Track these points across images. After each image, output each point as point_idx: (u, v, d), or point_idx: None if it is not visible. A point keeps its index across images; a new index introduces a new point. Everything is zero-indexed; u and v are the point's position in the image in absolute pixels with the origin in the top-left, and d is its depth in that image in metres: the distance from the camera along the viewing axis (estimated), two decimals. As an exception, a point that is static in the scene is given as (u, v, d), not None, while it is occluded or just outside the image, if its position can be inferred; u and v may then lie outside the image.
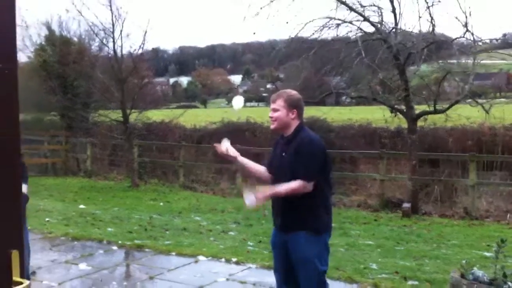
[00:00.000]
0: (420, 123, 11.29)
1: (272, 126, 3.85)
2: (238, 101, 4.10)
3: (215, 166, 14.03)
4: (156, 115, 17.15)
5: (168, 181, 14.06)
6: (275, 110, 3.77)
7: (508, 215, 9.41)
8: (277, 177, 3.73)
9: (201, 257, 6.63)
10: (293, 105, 3.76)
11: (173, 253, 6.87)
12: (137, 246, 7.20)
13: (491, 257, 5.47)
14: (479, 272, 4.81)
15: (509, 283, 4.60)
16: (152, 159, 14.90)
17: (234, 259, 6.48)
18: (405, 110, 10.82)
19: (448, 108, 10.61)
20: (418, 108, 11.10)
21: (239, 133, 14.95)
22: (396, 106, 11.16)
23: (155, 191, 12.72)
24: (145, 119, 16.35)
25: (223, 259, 6.55)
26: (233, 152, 3.92)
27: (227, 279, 5.82)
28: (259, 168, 3.96)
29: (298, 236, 3.65)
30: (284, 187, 3.61)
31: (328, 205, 3.76)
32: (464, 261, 5.23)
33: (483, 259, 6.19)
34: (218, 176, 13.80)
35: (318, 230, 3.67)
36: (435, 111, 10.69)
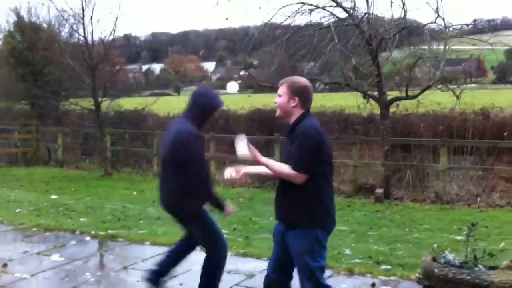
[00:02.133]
0: (392, 109, 11.39)
1: (277, 113, 3.73)
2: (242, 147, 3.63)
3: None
4: (128, 103, 16.98)
5: (141, 169, 13.95)
6: (278, 96, 3.67)
7: (478, 199, 9.58)
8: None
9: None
10: (296, 93, 3.61)
11: (147, 243, 6.83)
12: (110, 236, 7.14)
13: (462, 240, 5.57)
14: (450, 256, 4.89)
15: (480, 265, 4.69)
16: (125, 148, 14.75)
17: (209, 247, 6.45)
18: (377, 96, 10.88)
19: (419, 94, 10.71)
20: (390, 94, 11.18)
21: (212, 120, 14.87)
22: (368, 92, 11.22)
23: (128, 180, 12.61)
24: (117, 107, 16.18)
25: (198, 248, 6.51)
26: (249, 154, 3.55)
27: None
28: None
29: (293, 231, 3.59)
30: (277, 165, 3.57)
31: (325, 201, 3.60)
32: (435, 245, 5.31)
33: (454, 243, 6.29)
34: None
35: (311, 226, 3.54)
36: (407, 97, 10.79)
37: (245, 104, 16.76)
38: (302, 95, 3.62)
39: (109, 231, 7.35)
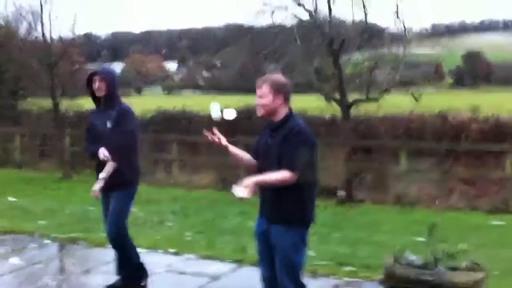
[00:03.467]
0: (353, 111, 11.52)
1: (259, 113, 3.69)
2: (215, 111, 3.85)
3: (151, 155, 13.81)
4: (89, 103, 16.60)
5: (102, 171, 13.70)
6: (260, 96, 3.63)
7: (436, 201, 9.78)
8: (264, 165, 3.63)
9: (138, 249, 6.50)
10: (279, 90, 3.62)
11: (109, 246, 6.71)
12: (70, 239, 7.01)
13: (423, 241, 5.69)
14: (412, 257, 5.00)
15: (440, 266, 4.80)
16: (85, 149, 14.45)
17: (172, 250, 6.42)
18: (339, 98, 11.00)
19: (379, 97, 10.87)
20: (352, 97, 11.31)
21: (175, 121, 14.77)
22: (330, 95, 11.33)
23: (88, 182, 12.28)
24: (77, 107, 15.88)
25: (160, 250, 6.47)
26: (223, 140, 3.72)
27: (166, 271, 5.76)
28: (247, 156, 3.82)
29: (278, 227, 3.62)
30: (272, 177, 3.51)
31: (313, 197, 3.70)
32: (398, 247, 5.41)
33: (415, 244, 6.38)
34: (153, 166, 13.58)
35: (298, 223, 3.63)
36: (368, 99, 10.93)
37: (207, 106, 16.67)
38: (285, 92, 3.65)
39: (70, 234, 7.20)
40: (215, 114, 3.77)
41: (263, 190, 3.71)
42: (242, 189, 3.45)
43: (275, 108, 3.63)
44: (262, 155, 3.68)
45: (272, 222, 3.66)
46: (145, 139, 14.07)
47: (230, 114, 3.81)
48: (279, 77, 3.73)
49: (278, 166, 3.51)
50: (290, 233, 3.60)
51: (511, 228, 7.72)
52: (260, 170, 3.65)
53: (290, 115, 3.65)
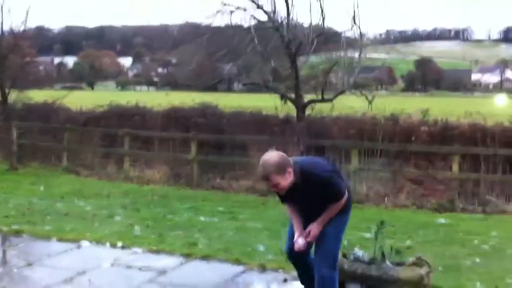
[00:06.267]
0: (308, 111, 11.62)
1: (281, 192, 4.02)
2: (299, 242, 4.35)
3: (102, 150, 13.55)
4: (38, 96, 16.23)
5: (50, 164, 13.37)
6: (275, 185, 3.89)
7: (385, 199, 9.95)
8: (308, 208, 4.18)
9: (84, 242, 6.36)
10: (284, 168, 3.85)
11: (54, 239, 6.53)
12: (14, 232, 6.78)
13: (371, 238, 5.76)
14: (359, 252, 5.04)
15: (387, 262, 4.86)
16: (33, 142, 14.07)
17: (119, 244, 6.28)
18: (294, 98, 11.07)
19: (334, 97, 11.00)
20: (307, 97, 11.40)
21: (128, 117, 14.53)
22: (286, 94, 11.39)
23: (35, 175, 12.05)
24: (26, 99, 15.45)
25: (107, 244, 6.33)
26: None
27: (112, 264, 5.63)
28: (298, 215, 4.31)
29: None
30: (332, 212, 4.08)
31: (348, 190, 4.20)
32: (345, 242, 5.45)
33: (363, 240, 6.48)
34: (104, 160, 13.32)
35: (346, 212, 4.21)
36: (322, 100, 11.05)
37: (162, 102, 16.51)
38: (287, 162, 3.88)
39: (13, 227, 6.97)
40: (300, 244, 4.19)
41: (310, 217, 4.19)
42: (303, 240, 4.11)
43: (292, 179, 3.88)
44: (302, 204, 4.19)
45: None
46: (96, 132, 13.80)
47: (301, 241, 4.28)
48: (272, 159, 3.88)
49: (325, 201, 4.05)
50: (338, 221, 4.19)
51: (456, 226, 7.90)
52: (305, 211, 4.24)
53: (299, 171, 3.89)
